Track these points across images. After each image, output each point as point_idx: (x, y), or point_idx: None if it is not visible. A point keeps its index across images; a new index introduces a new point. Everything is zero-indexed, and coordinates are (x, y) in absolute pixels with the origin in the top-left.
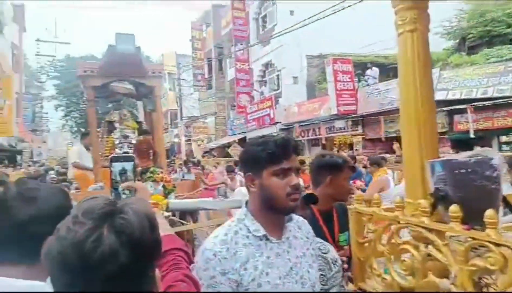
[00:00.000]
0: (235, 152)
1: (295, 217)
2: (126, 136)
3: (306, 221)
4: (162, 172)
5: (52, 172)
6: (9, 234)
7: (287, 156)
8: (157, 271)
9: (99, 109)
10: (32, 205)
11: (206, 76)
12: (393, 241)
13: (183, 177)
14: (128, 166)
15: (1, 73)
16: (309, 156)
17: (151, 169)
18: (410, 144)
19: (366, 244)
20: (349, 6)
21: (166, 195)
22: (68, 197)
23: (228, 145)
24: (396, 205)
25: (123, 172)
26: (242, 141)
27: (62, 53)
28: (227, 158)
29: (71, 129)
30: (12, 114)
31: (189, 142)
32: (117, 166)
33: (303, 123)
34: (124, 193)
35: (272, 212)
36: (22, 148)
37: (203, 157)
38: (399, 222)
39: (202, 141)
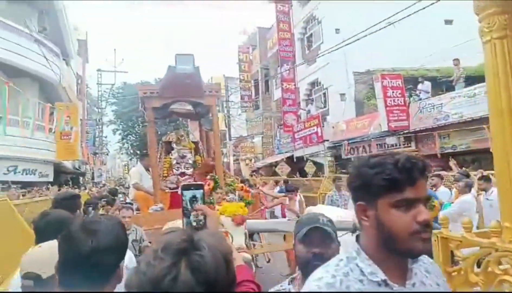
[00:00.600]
0: (282, 170)
1: (422, 257)
2: (183, 156)
3: (435, 263)
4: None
5: (120, 195)
6: (73, 264)
7: (412, 182)
8: None
9: (158, 130)
10: (93, 237)
11: (253, 97)
12: (489, 270)
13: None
14: (198, 193)
15: (69, 102)
16: None
17: (231, 179)
18: (504, 159)
19: (455, 273)
20: (395, 21)
21: (246, 203)
22: (124, 228)
23: (276, 164)
24: (492, 230)
25: (193, 199)
26: (289, 159)
27: (120, 81)
28: (274, 177)
29: (127, 151)
30: (78, 139)
31: (237, 161)
32: (188, 194)
33: (352, 141)
34: (195, 218)
35: (393, 253)
36: (85, 170)
37: (251, 175)
38: (497, 250)
39: (250, 160)
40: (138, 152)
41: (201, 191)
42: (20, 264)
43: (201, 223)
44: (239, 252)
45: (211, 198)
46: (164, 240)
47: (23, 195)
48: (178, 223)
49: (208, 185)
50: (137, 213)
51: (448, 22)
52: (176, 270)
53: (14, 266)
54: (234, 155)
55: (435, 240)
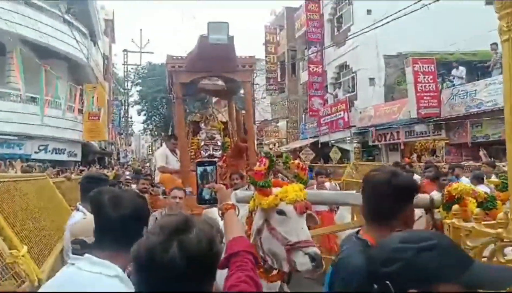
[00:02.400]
0: (307, 156)
1: None
2: (211, 138)
3: None
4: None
5: (128, 173)
6: (105, 229)
7: None
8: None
9: (186, 109)
10: (118, 207)
11: (279, 79)
12: (495, 259)
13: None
14: (209, 168)
15: (96, 83)
16: (385, 162)
17: (285, 155)
18: None
19: None
20: (431, 2)
21: (303, 184)
22: (146, 201)
23: (300, 149)
24: (499, 221)
25: (204, 174)
26: (314, 145)
27: (145, 61)
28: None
29: (151, 132)
30: (105, 120)
31: (260, 146)
32: (200, 170)
33: (380, 127)
34: (207, 193)
35: None
36: (111, 150)
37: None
38: (502, 240)
39: (274, 145)
40: (162, 133)
41: (213, 166)
42: (68, 232)
43: (213, 196)
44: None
45: (269, 179)
46: (163, 220)
47: (57, 174)
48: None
49: (264, 163)
50: (164, 197)
51: (489, 3)
52: (167, 245)
53: (60, 235)
54: (257, 139)
55: (447, 230)
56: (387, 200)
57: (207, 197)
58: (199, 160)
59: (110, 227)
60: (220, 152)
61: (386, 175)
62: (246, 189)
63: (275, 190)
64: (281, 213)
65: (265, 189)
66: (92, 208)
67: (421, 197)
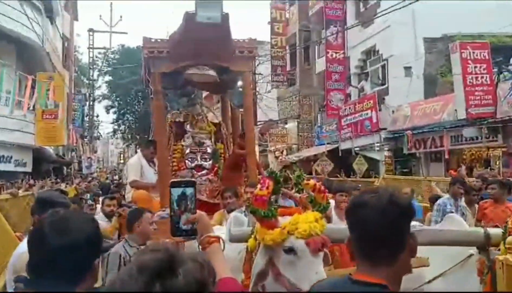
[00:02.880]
0: (323, 167)
1: None
2: (200, 143)
3: None
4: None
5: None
6: (43, 262)
7: None
8: None
9: (167, 106)
10: (63, 234)
11: (288, 68)
12: None
13: (276, 202)
14: (189, 191)
15: (53, 72)
16: (425, 176)
17: (297, 173)
18: None
19: None
20: None
21: (321, 212)
22: (98, 227)
23: (315, 158)
24: None
25: (182, 198)
26: (332, 153)
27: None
28: (311, 176)
29: (123, 135)
30: (64, 119)
31: (264, 153)
32: (176, 192)
33: (419, 131)
34: (184, 223)
35: None
36: (71, 158)
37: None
38: None
39: (281, 152)
40: (138, 137)
41: (192, 189)
42: (11, 265)
43: (191, 228)
44: None
45: (273, 207)
46: (142, 259)
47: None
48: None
49: (266, 186)
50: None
51: None
52: None
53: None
54: (260, 145)
55: (500, 268)
56: (392, 227)
57: (184, 227)
58: (174, 180)
59: (52, 259)
60: (211, 162)
61: (384, 195)
62: (244, 212)
63: (283, 220)
64: (290, 251)
65: (269, 220)
66: (29, 236)
67: (473, 231)
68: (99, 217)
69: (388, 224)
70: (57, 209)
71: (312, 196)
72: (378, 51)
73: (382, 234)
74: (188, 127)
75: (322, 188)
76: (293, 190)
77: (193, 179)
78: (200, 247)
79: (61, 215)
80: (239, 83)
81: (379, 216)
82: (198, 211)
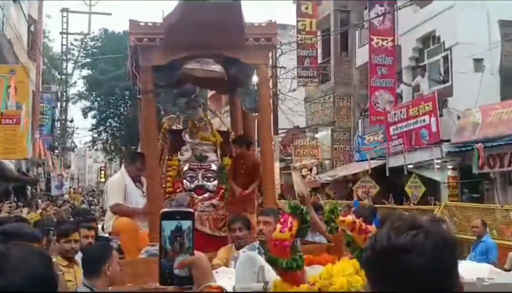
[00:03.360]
0: (366, 190)
1: None
2: (202, 158)
3: None
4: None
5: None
6: None
7: None
8: None
9: (161, 108)
10: (1, 277)
11: (320, 60)
12: None
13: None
14: (185, 225)
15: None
16: (502, 204)
17: (329, 207)
18: None
19: None
20: None
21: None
22: (49, 264)
23: (354, 179)
24: None
25: (177, 234)
26: (378, 172)
27: (99, 28)
28: (350, 201)
29: (105, 146)
30: (28, 125)
31: (287, 171)
32: (169, 226)
33: (493, 144)
34: (177, 268)
35: None
36: (37, 175)
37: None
38: None
39: (310, 170)
40: (123, 148)
41: (190, 222)
42: None
43: (186, 274)
44: None
45: (299, 255)
46: None
47: None
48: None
49: (289, 227)
50: (120, 258)
51: None
52: None
53: None
54: (282, 160)
55: None
56: (446, 277)
57: (177, 272)
58: (166, 210)
59: None
60: (216, 182)
61: (434, 233)
62: (258, 250)
63: (311, 271)
64: None
65: (293, 273)
66: None
67: None
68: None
69: (443, 275)
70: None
71: (350, 237)
72: (439, 38)
73: (432, 289)
74: (187, 136)
75: (364, 226)
76: (323, 221)
77: (190, 210)
78: None
79: (2, 250)
80: (254, 80)
81: (431, 264)
82: (196, 252)
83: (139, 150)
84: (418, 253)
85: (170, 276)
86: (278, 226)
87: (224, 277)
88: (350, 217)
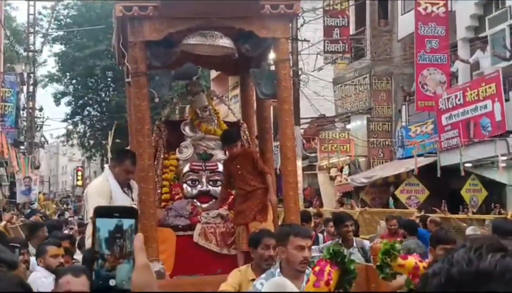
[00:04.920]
0: (412, 195)
1: None
2: (207, 157)
3: None
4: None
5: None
6: None
7: None
8: None
9: (155, 94)
10: None
11: (352, 31)
12: None
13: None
14: (127, 224)
15: None
16: None
17: (386, 246)
18: None
19: None
20: None
21: None
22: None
23: (396, 181)
24: None
25: (117, 236)
26: (427, 172)
27: None
28: (390, 210)
29: (82, 141)
30: None
31: (312, 170)
32: (106, 225)
33: None
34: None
35: None
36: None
37: (340, 202)
38: None
39: (340, 170)
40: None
41: (133, 221)
42: None
43: (125, 288)
44: None
45: None
46: None
47: None
48: None
49: (326, 279)
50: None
51: None
52: None
53: None
54: (305, 158)
55: None
56: None
57: (113, 283)
58: (101, 205)
59: None
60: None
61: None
62: (278, 274)
63: None
64: None
65: None
66: None
67: None
68: (41, 274)
69: None
70: None
71: (410, 283)
72: (504, 2)
73: None
74: (187, 130)
75: (420, 266)
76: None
77: (133, 206)
78: None
79: None
80: (270, 57)
81: None
82: (139, 257)
83: (127, 147)
84: (507, 280)
85: (105, 289)
86: (312, 277)
87: None
88: (412, 259)
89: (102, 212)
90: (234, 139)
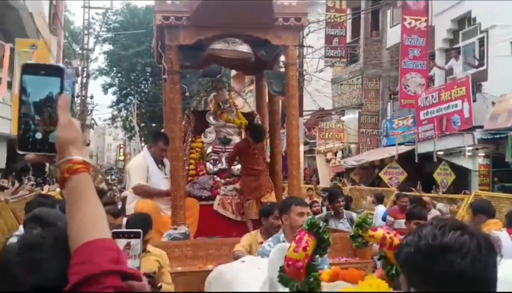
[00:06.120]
0: (393, 176)
1: None
2: (226, 140)
3: None
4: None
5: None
6: None
7: None
8: None
9: (186, 89)
10: (35, 272)
11: (349, 40)
12: None
13: (336, 226)
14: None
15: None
16: None
17: (360, 218)
18: None
19: None
20: None
21: (392, 279)
22: None
23: (381, 165)
24: None
25: (48, 104)
26: (406, 158)
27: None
28: (376, 188)
29: (125, 124)
30: None
31: (311, 154)
32: (35, 89)
33: None
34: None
35: None
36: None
37: (333, 180)
38: None
39: (335, 154)
40: (143, 125)
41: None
42: None
43: (50, 141)
44: None
45: (313, 276)
46: None
47: None
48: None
49: (304, 246)
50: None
51: None
52: None
53: None
54: (306, 144)
55: None
56: (490, 282)
57: (40, 138)
58: (28, 62)
59: None
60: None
61: (478, 235)
62: (283, 238)
63: (333, 288)
64: None
65: None
66: None
67: None
68: None
69: (485, 277)
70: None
71: (382, 252)
72: (475, 19)
73: (473, 290)
74: (211, 118)
75: (397, 241)
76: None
77: (60, 65)
78: (59, 176)
79: (33, 243)
80: (282, 60)
81: (476, 266)
82: (62, 116)
83: (162, 130)
84: (463, 254)
85: (29, 143)
86: (293, 244)
87: (253, 267)
88: (380, 231)
89: (29, 69)
90: (262, 138)
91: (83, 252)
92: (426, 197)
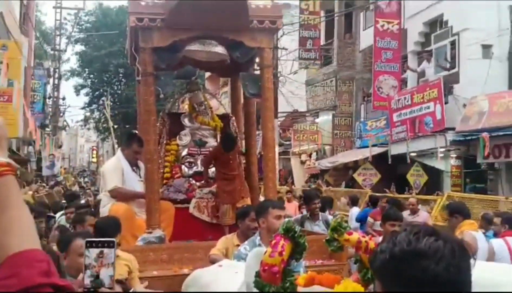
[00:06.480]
0: (366, 178)
1: None
2: (201, 143)
3: None
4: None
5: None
6: None
7: None
8: None
9: (161, 91)
10: None
11: (322, 42)
12: None
13: (311, 228)
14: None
15: (7, 40)
16: (507, 196)
17: (336, 222)
18: None
19: None
20: None
21: (367, 283)
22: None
23: (355, 166)
24: None
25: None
26: (379, 159)
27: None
28: (350, 189)
29: (98, 126)
30: (20, 103)
31: (285, 155)
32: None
33: (499, 133)
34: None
35: None
36: (27, 155)
37: (308, 182)
38: None
39: (309, 156)
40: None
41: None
42: None
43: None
44: None
45: (289, 282)
46: None
47: None
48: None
49: (279, 250)
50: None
51: None
52: None
53: None
54: (281, 145)
55: None
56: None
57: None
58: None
59: None
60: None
61: (451, 241)
62: (259, 242)
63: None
64: None
65: None
66: None
67: None
68: None
69: (459, 282)
70: None
71: (357, 256)
72: (446, 22)
73: None
74: (186, 121)
75: (373, 244)
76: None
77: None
78: None
79: None
80: (256, 62)
81: (449, 271)
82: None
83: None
84: (437, 259)
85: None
86: (269, 249)
87: (230, 271)
88: (355, 235)
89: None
90: (233, 147)
91: (11, 265)
92: (412, 198)
